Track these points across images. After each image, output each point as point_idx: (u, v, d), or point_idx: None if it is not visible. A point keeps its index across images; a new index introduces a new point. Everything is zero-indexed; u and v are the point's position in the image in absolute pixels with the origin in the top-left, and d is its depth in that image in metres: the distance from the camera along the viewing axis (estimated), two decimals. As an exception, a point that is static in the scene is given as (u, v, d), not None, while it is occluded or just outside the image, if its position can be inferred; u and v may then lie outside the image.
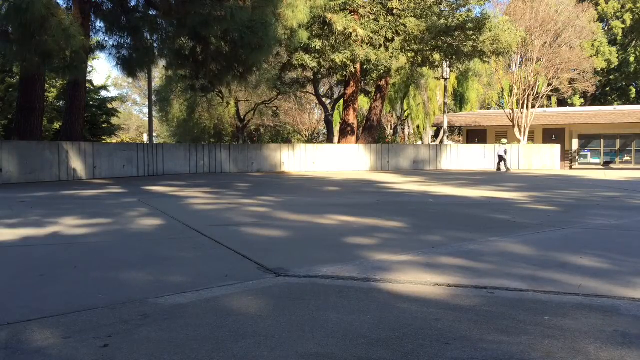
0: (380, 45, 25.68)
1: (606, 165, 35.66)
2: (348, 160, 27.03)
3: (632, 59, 46.33)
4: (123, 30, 19.60)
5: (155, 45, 20.43)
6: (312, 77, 30.36)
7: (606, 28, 48.35)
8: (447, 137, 36.36)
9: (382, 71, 26.23)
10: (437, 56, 27.49)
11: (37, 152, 17.40)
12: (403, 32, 25.55)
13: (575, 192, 13.52)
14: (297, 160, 26.33)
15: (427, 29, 24.68)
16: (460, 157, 29.29)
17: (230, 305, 3.55)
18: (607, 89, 49.97)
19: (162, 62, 23.51)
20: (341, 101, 33.36)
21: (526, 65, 33.37)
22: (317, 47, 24.52)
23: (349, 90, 28.71)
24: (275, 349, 2.75)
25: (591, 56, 39.29)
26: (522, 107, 33.65)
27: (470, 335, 2.96)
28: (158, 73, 38.38)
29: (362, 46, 24.97)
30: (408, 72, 31.58)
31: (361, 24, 25.18)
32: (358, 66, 26.85)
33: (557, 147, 30.29)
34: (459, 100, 46.13)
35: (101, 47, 20.57)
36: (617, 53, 46.61)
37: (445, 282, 4.13)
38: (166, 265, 4.76)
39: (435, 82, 40.67)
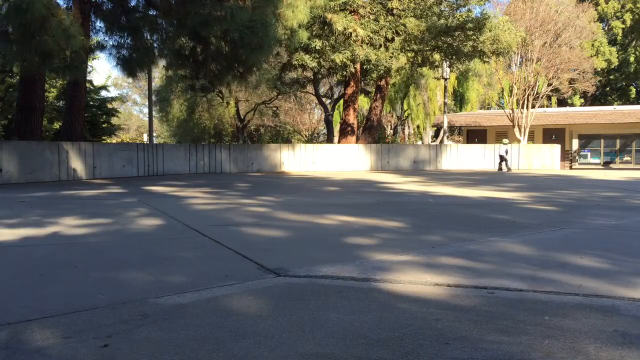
0: (380, 45, 25.68)
1: (606, 165, 35.66)
2: (348, 160, 27.03)
3: (632, 59, 46.33)
4: (123, 30, 19.61)
5: (155, 45, 20.43)
6: (312, 77, 30.36)
7: (606, 28, 48.36)
8: (447, 137, 36.36)
9: (382, 71, 26.23)
10: (437, 56, 27.50)
11: (37, 152, 17.40)
12: (403, 32, 25.55)
13: (575, 192, 13.52)
14: (297, 160, 26.33)
15: (427, 29, 24.69)
16: (460, 157, 29.29)
17: (230, 305, 3.55)
18: (607, 89, 49.97)
19: (162, 62, 23.51)
20: (341, 101, 33.36)
21: (526, 65, 33.37)
22: (317, 47, 24.52)
23: (349, 90, 28.71)
24: (275, 349, 2.75)
25: (591, 56, 39.29)
26: (522, 107, 33.65)
27: (470, 335, 2.96)
28: (158, 73, 38.38)
29: (362, 46, 24.97)
30: (408, 72, 31.59)
31: (361, 24, 25.18)
32: (358, 66, 26.85)
33: (557, 147, 30.30)
34: (459, 100, 46.13)
35: (101, 47, 20.58)
36: (617, 53, 46.62)
37: (445, 282, 4.13)
38: (166, 265, 4.76)
39: (435, 82, 40.67)
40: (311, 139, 46.82)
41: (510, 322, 3.19)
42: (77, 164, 18.70)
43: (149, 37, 20.15)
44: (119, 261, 4.97)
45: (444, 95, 34.54)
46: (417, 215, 8.54)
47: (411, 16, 25.28)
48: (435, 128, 43.44)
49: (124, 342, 2.84)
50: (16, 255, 5.34)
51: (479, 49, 25.14)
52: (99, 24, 20.35)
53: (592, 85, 38.17)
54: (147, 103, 34.51)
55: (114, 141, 37.41)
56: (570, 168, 34.92)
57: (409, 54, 26.97)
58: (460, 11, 26.45)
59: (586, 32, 35.17)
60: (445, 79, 32.84)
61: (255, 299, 3.69)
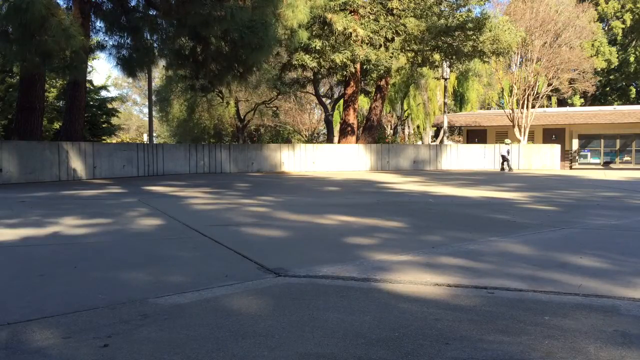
0: (380, 45, 25.68)
1: (606, 165, 35.66)
2: (348, 160, 27.03)
3: (632, 59, 46.33)
4: (123, 30, 19.61)
5: (155, 45, 20.43)
6: (312, 77, 30.36)
7: (606, 28, 48.35)
8: (447, 137, 36.36)
9: (382, 71, 26.24)
10: (437, 56, 27.51)
11: (37, 152, 17.40)
12: (403, 32, 25.55)
13: (575, 192, 13.52)
14: (297, 160, 26.33)
15: (427, 29, 24.69)
16: (460, 157, 29.29)
17: (230, 305, 3.55)
18: (607, 89, 49.96)
19: (162, 62, 23.51)
20: (341, 101, 33.36)
21: (526, 65, 33.37)
22: (317, 47, 24.52)
23: (349, 90, 28.71)
24: (275, 349, 2.75)
25: (591, 56, 39.28)
26: (522, 107, 33.65)
27: (470, 335, 2.96)
28: (158, 73, 38.39)
29: (362, 46, 24.97)
30: (408, 72, 31.60)
31: (361, 24, 25.18)
32: (358, 66, 26.86)
33: (557, 147, 30.30)
34: (459, 100, 46.13)
35: (101, 47, 20.58)
36: (617, 53, 46.61)
37: (445, 282, 4.13)
38: (166, 265, 4.76)
39: (435, 82, 40.67)
40: (311, 139, 46.83)
41: (510, 322, 3.19)
42: (77, 164, 18.70)
43: (149, 37, 20.15)
44: (119, 261, 4.97)
45: (444, 95, 34.54)
46: (417, 215, 8.54)
47: (411, 16, 25.28)
48: (435, 128, 43.44)
49: (124, 342, 2.84)
50: (16, 255, 5.34)
51: (479, 49, 25.14)
52: (99, 24, 20.38)
53: (592, 85, 38.17)
54: (147, 103, 34.53)
55: (114, 141, 37.41)
56: (570, 168, 34.92)
57: (409, 54, 26.97)
58: (460, 11, 26.46)
59: (586, 32, 35.17)
60: (445, 79, 32.84)
61: (255, 299, 3.69)
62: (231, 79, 22.14)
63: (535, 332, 3.02)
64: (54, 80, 27.23)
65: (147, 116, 33.01)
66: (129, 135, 54.42)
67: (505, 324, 3.15)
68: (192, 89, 25.91)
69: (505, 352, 2.72)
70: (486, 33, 24.55)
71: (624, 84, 49.48)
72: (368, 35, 24.98)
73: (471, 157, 29.44)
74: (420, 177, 20.13)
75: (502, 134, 36.44)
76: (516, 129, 33.61)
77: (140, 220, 7.79)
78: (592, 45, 42.99)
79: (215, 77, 21.62)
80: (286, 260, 4.93)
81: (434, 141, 42.50)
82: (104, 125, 31.32)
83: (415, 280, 4.18)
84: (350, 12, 25.37)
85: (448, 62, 29.63)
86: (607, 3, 46.77)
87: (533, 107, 33.96)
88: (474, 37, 24.74)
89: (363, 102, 39.06)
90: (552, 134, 36.42)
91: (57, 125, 27.46)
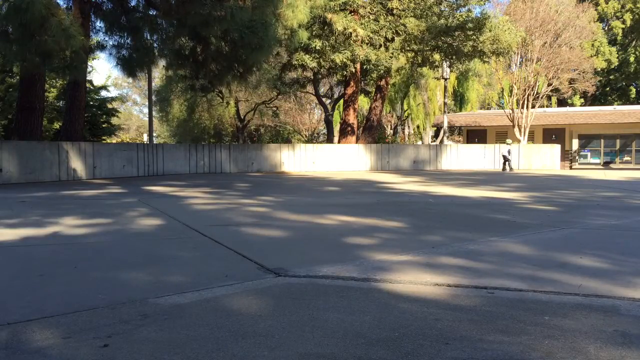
0: (380, 45, 25.68)
1: (606, 165, 35.66)
2: (348, 160, 27.03)
3: (632, 59, 46.33)
4: (123, 30, 19.61)
5: (155, 45, 20.43)
6: (312, 77, 30.36)
7: (606, 28, 48.35)
8: (447, 137, 36.36)
9: (382, 71, 26.23)
10: (437, 56, 27.50)
11: (37, 152, 17.40)
12: (403, 32, 25.55)
13: (575, 192, 13.52)
14: (297, 160, 26.34)
15: (427, 29, 24.69)
16: (460, 157, 29.30)
17: (230, 305, 3.55)
18: (607, 89, 49.96)
19: (162, 62, 23.51)
20: (341, 101, 33.36)
21: (526, 65, 33.37)
22: (317, 47, 24.52)
23: (349, 90, 28.71)
24: (275, 349, 2.75)
25: (591, 56, 39.28)
26: (522, 107, 33.65)
27: (470, 335, 2.96)
28: (158, 73, 38.38)
29: (362, 46, 24.97)
30: (408, 72, 31.60)
31: (361, 24, 25.18)
32: (358, 66, 26.86)
33: (557, 147, 30.30)
34: (459, 100, 46.12)
35: (101, 47, 20.58)
36: (617, 53, 46.61)
37: (445, 282, 4.13)
38: (166, 265, 4.76)
39: (435, 82, 40.67)
40: (311, 139, 46.83)
41: (510, 322, 3.19)
42: (77, 164, 18.70)
43: (149, 37, 20.15)
44: (119, 261, 4.97)
45: (444, 95, 34.54)
46: (417, 215, 8.54)
47: (411, 16, 25.28)
48: (435, 128, 43.43)
49: (124, 342, 2.84)
50: (16, 255, 5.34)
51: (479, 49, 25.14)
52: (99, 24, 20.38)
53: (592, 85, 38.17)
54: (147, 103, 34.53)
55: (114, 141, 37.42)
56: (570, 168, 34.92)
57: (409, 54, 26.97)
58: (460, 11, 26.45)
59: (586, 32, 35.17)
60: (445, 79, 32.84)
61: (255, 299, 3.69)
62: (231, 79, 22.14)
63: (535, 332, 3.02)
64: (54, 80, 27.23)
65: (147, 116, 33.03)
66: (129, 135, 54.43)
67: (505, 324, 3.15)
68: (192, 89, 25.91)
69: (505, 352, 2.72)
70: (486, 33, 24.55)
71: (624, 84, 49.48)
72: (368, 35, 24.98)
73: (471, 157, 29.44)
74: (420, 177, 20.13)
75: (502, 134, 36.44)
76: (516, 129, 33.61)
77: (140, 220, 7.79)
78: (592, 45, 42.99)
79: (215, 77, 21.63)
80: (286, 260, 4.93)
81: (434, 141, 42.51)
82: (104, 125, 31.32)
83: (415, 280, 4.18)
84: (350, 12, 25.37)
85: (448, 62, 29.63)
86: (607, 3, 46.76)
87: (533, 107, 33.96)
88: (474, 37, 24.74)
89: (363, 102, 39.06)
90: (552, 134, 36.42)
91: (57, 125, 27.46)
